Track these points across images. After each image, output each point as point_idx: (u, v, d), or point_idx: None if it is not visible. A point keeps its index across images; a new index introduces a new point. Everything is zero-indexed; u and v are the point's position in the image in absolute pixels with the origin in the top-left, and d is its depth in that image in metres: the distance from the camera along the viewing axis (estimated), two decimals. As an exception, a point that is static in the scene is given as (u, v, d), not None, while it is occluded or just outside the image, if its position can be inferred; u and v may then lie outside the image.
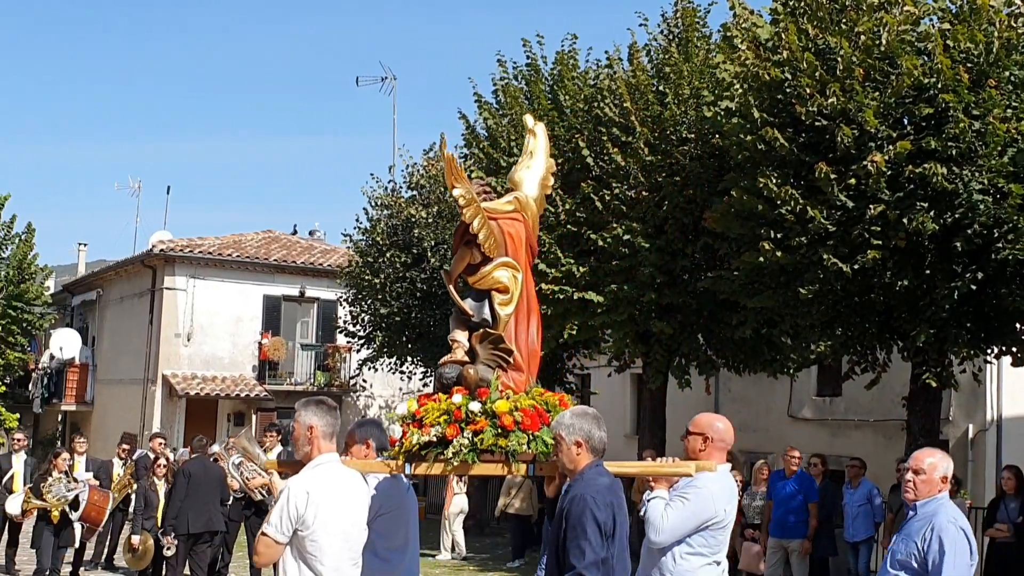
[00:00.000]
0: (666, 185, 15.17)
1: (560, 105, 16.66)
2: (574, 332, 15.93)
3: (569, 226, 15.93)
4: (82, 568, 13.99)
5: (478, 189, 5.74)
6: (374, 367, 24.84)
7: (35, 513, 12.92)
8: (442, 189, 22.61)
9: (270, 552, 4.92)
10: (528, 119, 6.44)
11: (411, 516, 6.01)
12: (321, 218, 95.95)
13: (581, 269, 15.65)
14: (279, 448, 13.34)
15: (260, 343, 28.06)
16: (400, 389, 28.73)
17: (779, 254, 12.31)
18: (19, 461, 14.13)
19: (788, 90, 12.43)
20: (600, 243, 15.41)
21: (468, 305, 5.77)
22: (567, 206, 15.90)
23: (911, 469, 5.38)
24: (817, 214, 11.97)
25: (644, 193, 15.44)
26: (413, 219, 22.25)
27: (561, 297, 15.57)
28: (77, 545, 13.80)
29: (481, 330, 5.65)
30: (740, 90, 13.12)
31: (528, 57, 17.41)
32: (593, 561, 4.48)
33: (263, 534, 4.95)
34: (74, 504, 12.85)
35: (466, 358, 5.64)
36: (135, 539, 12.24)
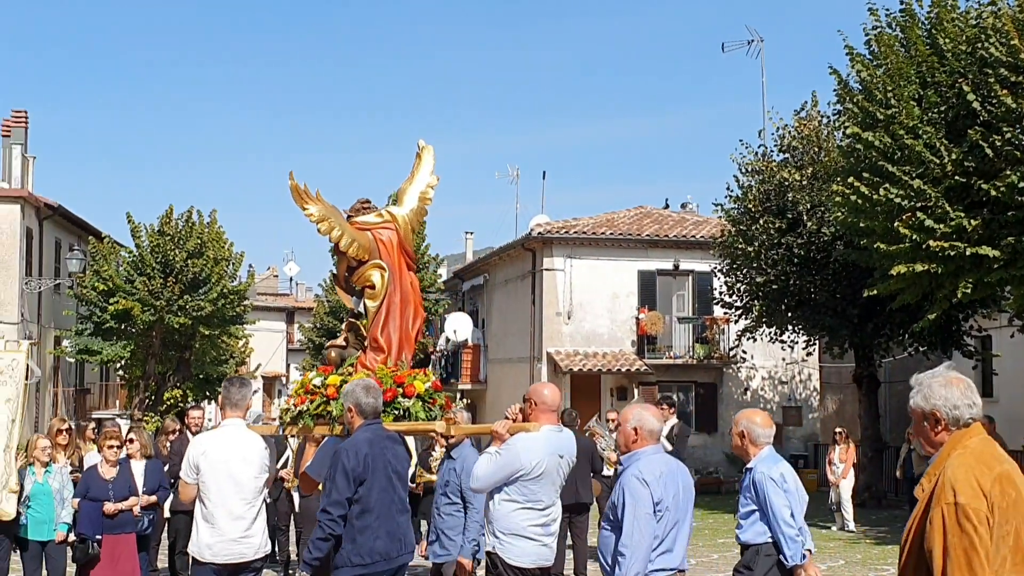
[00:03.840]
0: (1068, 124, 13.85)
1: (939, 49, 15.69)
2: (968, 291, 14.95)
3: (957, 177, 14.97)
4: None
5: (357, 206, 7.25)
6: (753, 337, 24.46)
7: (423, 486, 13.78)
8: (816, 149, 21.88)
9: (185, 491, 6.36)
10: (420, 142, 7.93)
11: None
12: (692, 189, 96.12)
13: (973, 222, 14.66)
14: (673, 420, 13.09)
15: (637, 318, 28.44)
16: (783, 359, 28.06)
17: None
18: (408, 439, 15.20)
19: None
20: (993, 193, 14.46)
21: (352, 301, 7.27)
22: (953, 156, 14.90)
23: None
24: None
25: (1042, 135, 14.21)
26: (786, 183, 21.68)
27: (952, 254, 14.68)
28: None
29: (348, 320, 7.29)
30: None
31: (902, 2, 16.70)
32: (337, 500, 5.59)
33: (179, 478, 6.45)
34: None
35: (344, 343, 7.17)
36: None
